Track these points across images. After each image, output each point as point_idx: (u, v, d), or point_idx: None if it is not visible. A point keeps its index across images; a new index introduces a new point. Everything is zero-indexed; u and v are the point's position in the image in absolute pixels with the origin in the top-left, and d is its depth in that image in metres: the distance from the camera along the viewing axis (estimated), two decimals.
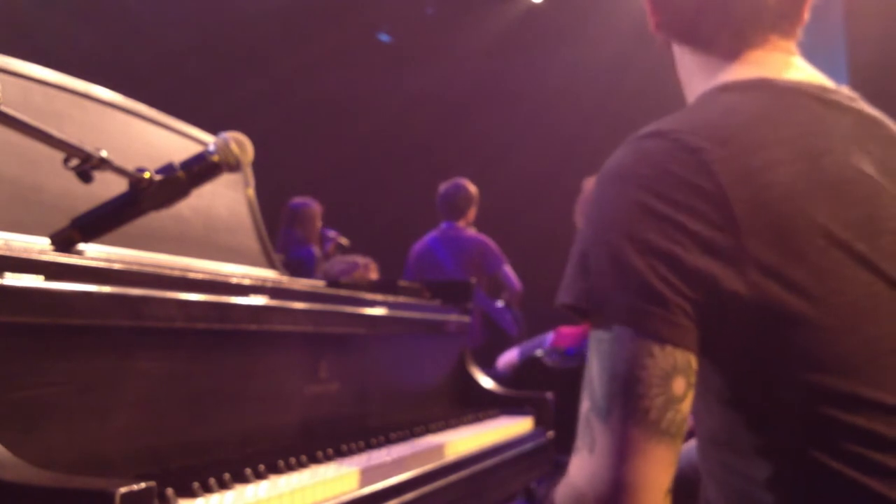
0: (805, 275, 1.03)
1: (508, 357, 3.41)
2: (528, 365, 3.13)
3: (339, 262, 3.86)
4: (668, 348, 1.01)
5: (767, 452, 1.08)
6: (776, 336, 1.04)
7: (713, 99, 1.16)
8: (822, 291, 1.03)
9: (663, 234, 1.02)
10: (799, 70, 1.21)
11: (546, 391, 2.23)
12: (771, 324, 1.03)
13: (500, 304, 5.42)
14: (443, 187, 5.38)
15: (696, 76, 1.25)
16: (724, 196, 1.03)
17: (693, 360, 1.03)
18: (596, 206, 1.09)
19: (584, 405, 1.03)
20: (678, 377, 1.02)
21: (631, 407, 1.00)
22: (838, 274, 1.04)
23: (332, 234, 5.74)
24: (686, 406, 1.03)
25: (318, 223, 5.64)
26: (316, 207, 5.60)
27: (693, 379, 1.03)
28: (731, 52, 1.22)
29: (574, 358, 3.01)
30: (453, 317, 2.19)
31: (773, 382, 1.05)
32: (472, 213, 5.39)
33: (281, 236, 5.47)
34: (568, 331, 3.24)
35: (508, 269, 5.32)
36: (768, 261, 1.02)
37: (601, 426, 1.01)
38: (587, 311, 1.06)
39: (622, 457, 0.99)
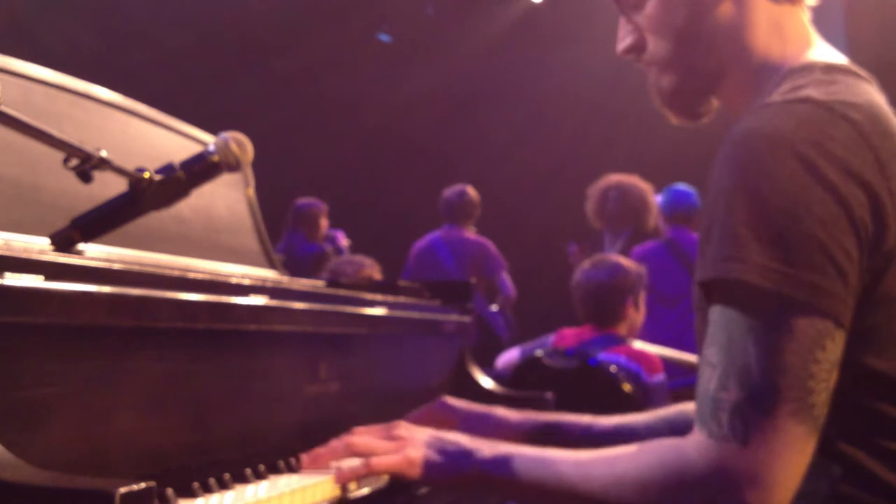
0: None
1: (509, 357, 3.41)
2: (528, 365, 3.13)
3: (346, 261, 3.86)
4: (839, 336, 0.97)
5: None
6: (869, 314, 1.02)
7: (830, 77, 1.11)
8: None
9: (838, 199, 0.97)
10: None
11: (546, 391, 2.23)
12: (870, 301, 1.01)
13: (494, 308, 5.46)
14: (446, 193, 5.41)
15: (774, 38, 1.19)
16: (885, 170, 1.01)
17: None
18: (752, 169, 1.01)
19: (734, 395, 0.97)
20: (836, 368, 0.98)
21: (800, 403, 0.95)
22: None
23: (337, 233, 5.77)
24: None
25: (324, 223, 5.67)
26: (321, 208, 5.64)
27: None
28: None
29: (574, 358, 3.01)
30: (453, 317, 2.19)
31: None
32: (474, 218, 5.44)
33: (286, 236, 5.49)
34: (570, 332, 3.24)
35: (505, 275, 5.37)
36: None
37: (763, 421, 0.95)
38: (747, 289, 0.97)
39: (784, 454, 0.95)
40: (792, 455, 0.96)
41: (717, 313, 1.02)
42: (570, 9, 7.34)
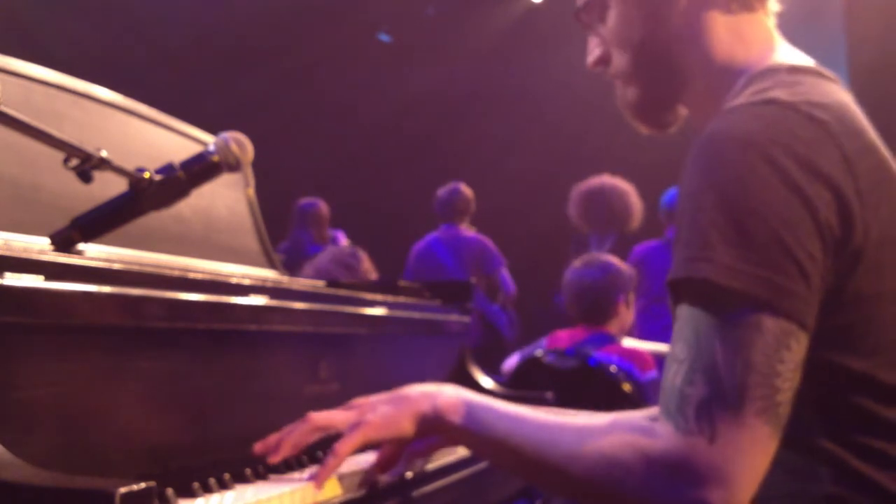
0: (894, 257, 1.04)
1: (511, 363, 3.42)
2: (527, 365, 3.14)
3: (326, 259, 3.82)
4: (802, 337, 0.97)
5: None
6: (841, 313, 1.02)
7: (795, 78, 1.11)
8: None
9: (803, 201, 0.98)
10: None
11: (546, 391, 2.23)
12: (841, 300, 1.02)
13: (496, 306, 5.47)
14: (440, 192, 5.41)
15: (735, 44, 1.19)
16: (852, 168, 1.02)
17: None
18: (721, 171, 1.01)
19: (700, 390, 0.97)
20: (800, 369, 0.99)
21: (766, 402, 0.95)
22: None
23: (337, 234, 5.77)
24: None
25: (327, 223, 5.68)
26: (324, 207, 5.64)
27: None
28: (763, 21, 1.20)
29: (573, 358, 3.01)
30: (453, 317, 2.19)
31: (811, 365, 1.02)
32: (469, 214, 5.44)
33: (293, 237, 5.48)
34: (563, 333, 3.24)
35: (505, 272, 5.37)
36: (877, 236, 1.02)
37: (730, 418, 0.95)
38: (714, 288, 0.97)
39: (750, 452, 0.95)
40: (756, 453, 0.96)
41: (684, 311, 1.02)
42: (570, 9, 7.33)
